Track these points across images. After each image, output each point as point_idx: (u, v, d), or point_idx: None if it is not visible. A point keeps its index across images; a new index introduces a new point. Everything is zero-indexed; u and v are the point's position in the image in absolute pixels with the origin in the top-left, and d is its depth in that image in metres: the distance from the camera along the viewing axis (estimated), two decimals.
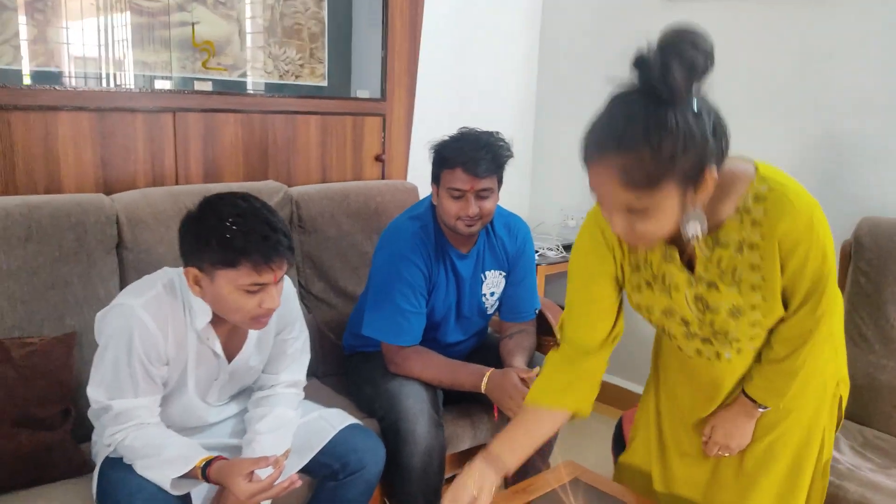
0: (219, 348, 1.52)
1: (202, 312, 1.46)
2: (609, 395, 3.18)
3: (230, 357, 1.56)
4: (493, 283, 2.03)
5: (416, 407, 1.81)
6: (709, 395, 1.42)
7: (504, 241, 2.03)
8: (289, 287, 1.65)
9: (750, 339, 1.30)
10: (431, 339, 1.98)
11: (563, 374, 1.37)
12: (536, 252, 2.91)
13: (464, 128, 1.91)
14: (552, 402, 1.36)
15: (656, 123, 1.02)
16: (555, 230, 3.17)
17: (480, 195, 1.82)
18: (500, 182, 1.89)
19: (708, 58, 1.03)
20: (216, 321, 1.49)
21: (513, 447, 1.33)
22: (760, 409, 1.36)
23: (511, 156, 1.88)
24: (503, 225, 2.04)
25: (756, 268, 1.20)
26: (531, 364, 1.96)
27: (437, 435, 1.82)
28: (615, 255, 1.33)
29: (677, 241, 1.23)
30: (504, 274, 2.04)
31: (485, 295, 2.02)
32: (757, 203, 1.17)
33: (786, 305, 1.24)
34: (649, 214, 1.09)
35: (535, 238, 3.10)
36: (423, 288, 1.89)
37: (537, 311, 2.11)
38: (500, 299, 2.07)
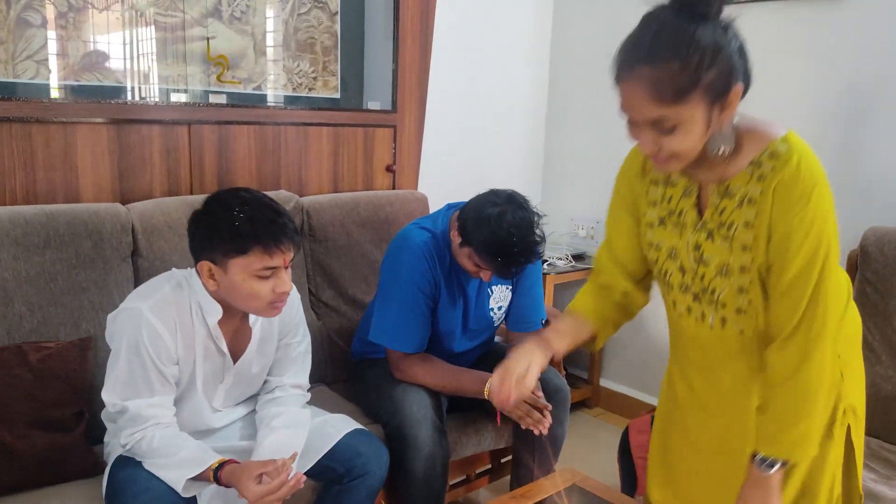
0: (224, 347, 1.57)
1: (213, 310, 1.52)
2: (616, 404, 3.19)
3: (235, 357, 1.61)
4: (501, 298, 2.05)
5: (420, 413, 1.83)
6: (704, 375, 1.37)
7: None
8: (293, 293, 1.70)
9: (736, 311, 1.25)
10: (438, 350, 2.00)
11: (592, 296, 1.45)
12: (546, 262, 2.94)
13: (498, 207, 1.77)
14: (582, 314, 1.44)
15: (686, 36, 1.07)
16: (564, 240, 3.20)
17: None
18: None
19: None
20: (222, 321, 1.55)
21: (560, 335, 1.40)
22: (772, 470, 1.19)
23: (541, 255, 1.86)
24: None
25: (750, 225, 1.20)
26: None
27: (441, 441, 1.85)
28: (638, 188, 1.38)
29: (698, 177, 1.28)
30: (510, 287, 2.07)
31: (492, 309, 2.04)
32: (770, 159, 1.18)
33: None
34: (677, 131, 1.12)
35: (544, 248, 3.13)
36: (428, 296, 1.92)
37: (544, 322, 2.13)
38: (507, 309, 2.10)
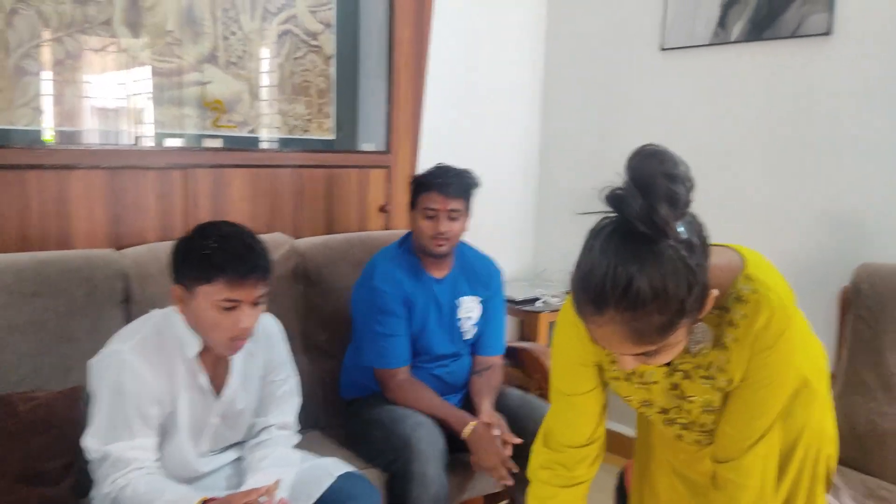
0: (205, 380, 1.58)
1: (192, 342, 1.54)
2: (612, 444, 3.13)
3: (217, 390, 1.62)
4: (469, 309, 2.18)
5: (428, 449, 1.86)
6: (694, 466, 1.38)
7: (478, 270, 2.22)
8: (276, 330, 1.73)
9: None
10: (426, 351, 2.11)
11: (558, 483, 1.42)
12: (539, 299, 2.94)
13: (440, 163, 2.15)
14: None
15: (655, 272, 0.97)
16: (557, 276, 3.19)
17: (451, 216, 2.04)
18: (468, 209, 2.10)
19: (687, 185, 0.99)
20: (202, 354, 1.56)
21: None
22: None
23: (478, 185, 2.13)
24: (477, 257, 2.25)
25: (723, 370, 1.17)
26: (499, 401, 2.12)
27: (446, 480, 1.87)
28: (594, 349, 1.30)
29: None
30: (480, 300, 2.20)
31: (460, 320, 2.16)
32: (738, 304, 1.12)
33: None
34: (660, 352, 1.06)
35: (538, 285, 3.14)
36: (399, 312, 2.05)
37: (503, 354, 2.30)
38: (477, 332, 2.21)
